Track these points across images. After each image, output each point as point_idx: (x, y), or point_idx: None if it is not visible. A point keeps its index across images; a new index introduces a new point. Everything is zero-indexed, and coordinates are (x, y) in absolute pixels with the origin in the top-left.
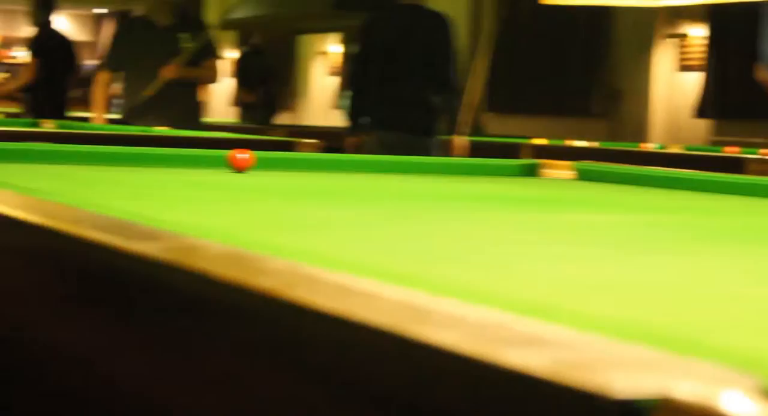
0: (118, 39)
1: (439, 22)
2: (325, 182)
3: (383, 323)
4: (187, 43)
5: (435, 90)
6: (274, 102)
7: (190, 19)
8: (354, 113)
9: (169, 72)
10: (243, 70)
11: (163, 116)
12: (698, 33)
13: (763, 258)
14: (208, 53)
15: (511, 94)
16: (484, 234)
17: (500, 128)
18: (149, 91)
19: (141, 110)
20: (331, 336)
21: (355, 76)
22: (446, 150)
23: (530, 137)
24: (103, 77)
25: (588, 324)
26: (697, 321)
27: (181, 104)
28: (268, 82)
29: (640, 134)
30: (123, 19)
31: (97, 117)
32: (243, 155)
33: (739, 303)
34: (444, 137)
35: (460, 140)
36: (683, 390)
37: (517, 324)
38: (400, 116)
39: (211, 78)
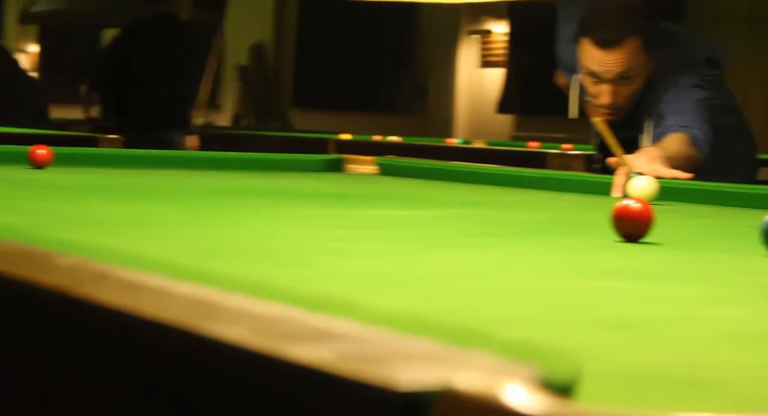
0: None
1: (187, 35)
2: (124, 178)
3: (171, 318)
4: None
5: (174, 95)
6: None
7: None
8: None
9: None
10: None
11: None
12: (501, 29)
13: (553, 251)
14: None
15: (320, 90)
16: (283, 230)
17: (309, 124)
18: None
19: None
20: (120, 332)
21: (101, 78)
22: (181, 145)
23: (337, 133)
24: None
25: (376, 318)
26: (483, 314)
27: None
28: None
29: (446, 130)
30: None
31: None
32: (42, 151)
33: (523, 296)
34: (182, 134)
35: (192, 138)
36: (464, 381)
37: (304, 318)
38: (146, 113)
39: None
